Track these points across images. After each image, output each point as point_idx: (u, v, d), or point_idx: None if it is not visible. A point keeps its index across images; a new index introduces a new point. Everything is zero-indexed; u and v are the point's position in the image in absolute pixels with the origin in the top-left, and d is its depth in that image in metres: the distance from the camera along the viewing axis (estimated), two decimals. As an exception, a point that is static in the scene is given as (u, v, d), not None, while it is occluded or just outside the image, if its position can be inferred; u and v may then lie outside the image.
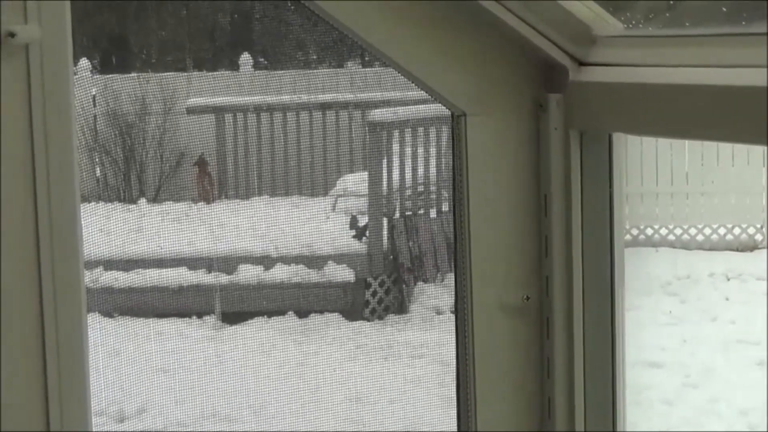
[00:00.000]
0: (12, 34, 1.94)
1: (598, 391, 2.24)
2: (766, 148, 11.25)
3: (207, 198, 11.14)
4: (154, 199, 11.31)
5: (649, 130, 2.16)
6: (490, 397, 2.26)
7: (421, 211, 10.05)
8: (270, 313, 9.53)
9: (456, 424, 2.33)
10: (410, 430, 7.60)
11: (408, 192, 10.08)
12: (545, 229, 2.24)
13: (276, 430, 7.31)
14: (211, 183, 11.25)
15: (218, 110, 11.18)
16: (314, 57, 12.65)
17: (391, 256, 9.85)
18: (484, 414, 2.26)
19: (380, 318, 9.69)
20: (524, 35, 2.17)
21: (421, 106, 9.70)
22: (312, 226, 10.16)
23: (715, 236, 11.86)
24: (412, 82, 2.24)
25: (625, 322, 2.26)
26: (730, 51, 1.92)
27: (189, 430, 7.71)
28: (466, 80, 2.23)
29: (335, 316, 9.55)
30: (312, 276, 9.72)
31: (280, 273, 9.73)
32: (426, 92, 2.25)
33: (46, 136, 1.98)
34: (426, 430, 7.42)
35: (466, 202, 2.23)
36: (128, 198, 11.34)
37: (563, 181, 2.21)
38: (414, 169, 10.07)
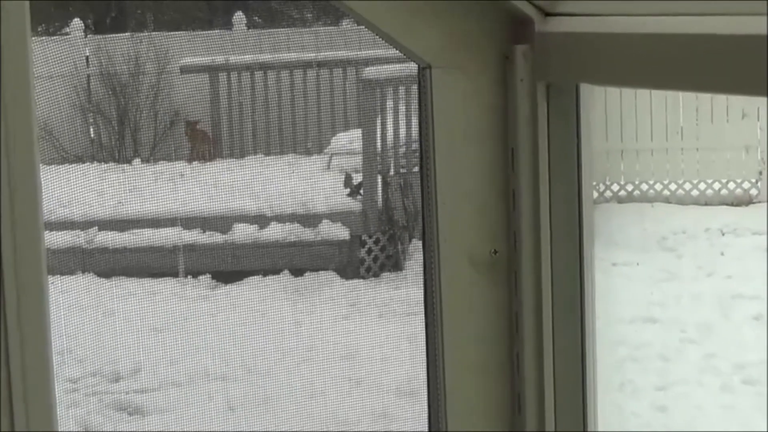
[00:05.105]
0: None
1: (567, 345, 2.22)
2: (766, 103, 11.21)
3: (205, 156, 11.12)
4: (149, 159, 11.31)
5: (617, 81, 2.14)
6: (458, 351, 2.24)
7: (416, 169, 10.02)
8: (265, 272, 9.54)
9: (426, 377, 2.32)
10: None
11: (402, 149, 10.07)
12: (512, 183, 2.22)
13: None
14: (206, 140, 11.22)
15: (212, 69, 11.15)
16: (309, 15, 12.60)
17: (386, 214, 9.84)
18: (452, 367, 2.25)
19: (375, 275, 9.70)
20: (489, -15, 2.15)
21: (415, 63, 9.65)
22: (307, 185, 10.16)
23: (710, 191, 11.84)
24: (376, 35, 2.21)
25: (594, 277, 2.24)
26: (701, 0, 1.89)
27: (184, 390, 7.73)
28: (430, 32, 2.21)
29: (330, 275, 9.56)
30: (307, 234, 9.72)
31: (275, 232, 9.73)
32: (390, 44, 2.22)
33: (4, 97, 1.96)
34: (420, 387, 7.42)
35: (432, 156, 2.21)
36: (123, 158, 11.34)
37: (530, 134, 2.19)
38: (408, 127, 10.05)
